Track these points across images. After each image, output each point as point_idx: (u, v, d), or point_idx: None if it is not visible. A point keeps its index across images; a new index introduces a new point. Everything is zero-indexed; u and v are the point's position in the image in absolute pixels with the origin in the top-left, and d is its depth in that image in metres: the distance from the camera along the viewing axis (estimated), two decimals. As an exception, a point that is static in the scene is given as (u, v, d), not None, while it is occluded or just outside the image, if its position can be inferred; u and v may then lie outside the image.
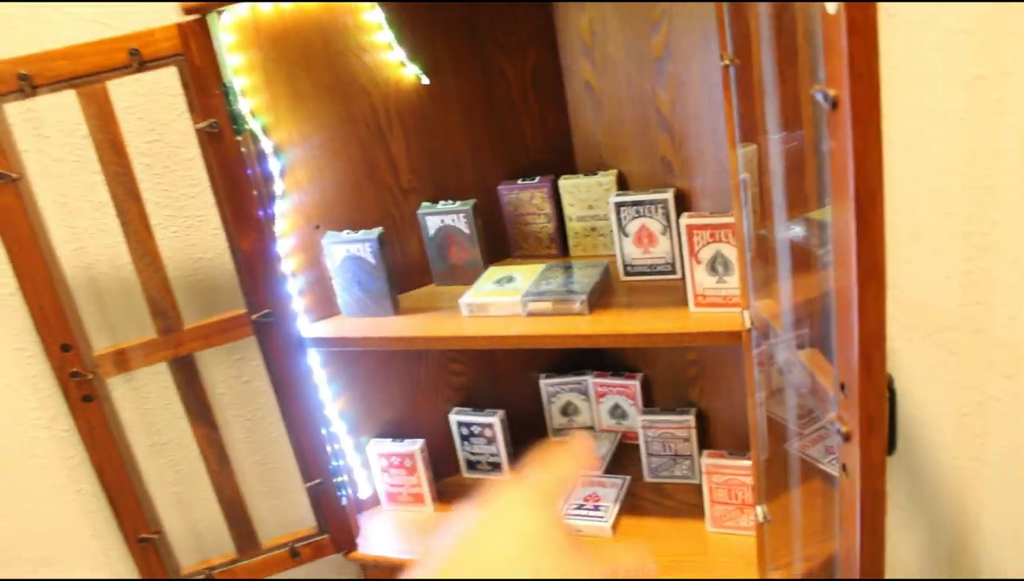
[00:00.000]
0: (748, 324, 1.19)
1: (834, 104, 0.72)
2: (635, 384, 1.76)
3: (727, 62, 1.06)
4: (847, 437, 0.86)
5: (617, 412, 1.81)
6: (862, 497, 0.86)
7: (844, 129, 0.71)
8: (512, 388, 1.84)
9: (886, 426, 0.84)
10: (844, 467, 0.88)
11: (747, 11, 1.03)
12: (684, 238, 1.33)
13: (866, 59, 0.70)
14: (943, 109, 1.05)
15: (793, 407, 1.28)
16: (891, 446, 0.85)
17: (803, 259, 1.12)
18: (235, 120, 1.37)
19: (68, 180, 1.52)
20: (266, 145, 1.48)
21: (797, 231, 1.15)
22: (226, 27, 1.40)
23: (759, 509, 1.35)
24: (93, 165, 1.39)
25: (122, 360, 1.45)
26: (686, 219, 1.32)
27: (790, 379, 1.17)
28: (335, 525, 1.61)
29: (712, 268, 1.33)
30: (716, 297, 1.34)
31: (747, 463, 1.48)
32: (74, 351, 1.40)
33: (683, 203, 1.49)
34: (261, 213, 1.42)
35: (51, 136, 1.49)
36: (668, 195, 1.46)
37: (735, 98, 1.08)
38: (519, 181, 1.64)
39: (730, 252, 1.31)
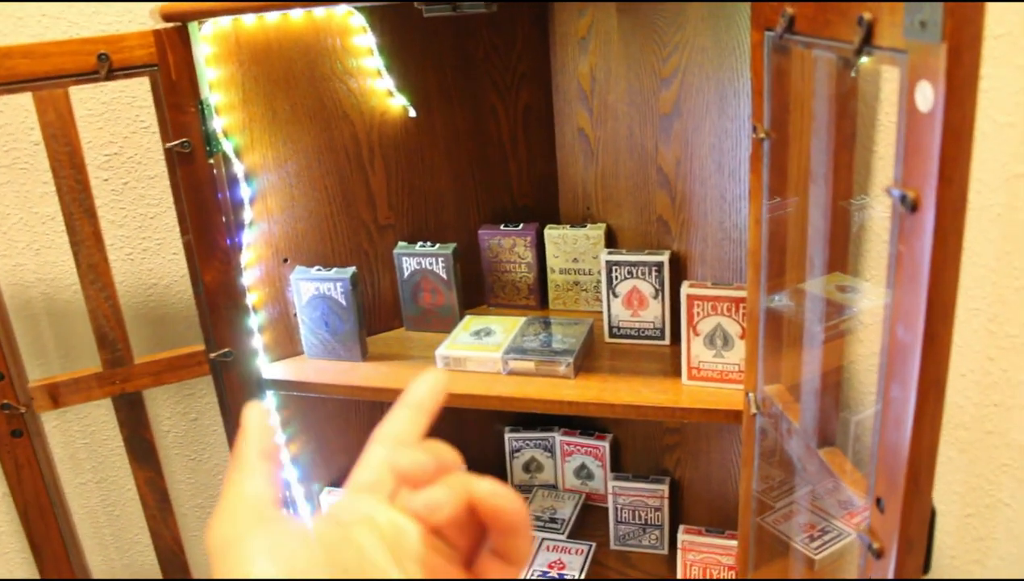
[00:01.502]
0: (754, 409, 1.13)
1: (913, 207, 0.65)
2: (604, 445, 1.68)
3: (762, 136, 0.99)
4: (879, 555, 0.79)
5: (583, 472, 1.73)
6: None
7: (922, 236, 0.64)
8: (476, 439, 1.75)
9: (924, 548, 0.78)
10: (869, 583, 0.82)
11: (792, 85, 0.97)
12: (684, 308, 1.26)
13: (958, 164, 0.63)
14: (980, 203, 1.00)
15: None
16: (926, 566, 0.80)
17: (828, 350, 1.06)
18: (209, 140, 1.26)
19: (12, 189, 1.39)
20: (237, 168, 1.37)
21: (815, 314, 1.09)
22: (206, 38, 1.29)
23: (742, 598, 1.29)
24: (43, 175, 1.27)
25: (60, 394, 1.31)
26: (687, 289, 1.25)
27: (802, 475, 1.11)
28: None
29: (711, 341, 1.26)
30: (712, 371, 1.27)
31: (727, 542, 1.41)
32: (7, 381, 1.26)
33: (677, 268, 1.42)
34: (228, 242, 1.30)
35: (-1, 140, 1.36)
36: (664, 258, 1.39)
37: (766, 173, 1.01)
38: (502, 226, 1.56)
39: (731, 327, 1.24)
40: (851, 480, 0.91)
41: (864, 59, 0.76)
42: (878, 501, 0.78)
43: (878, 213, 1.17)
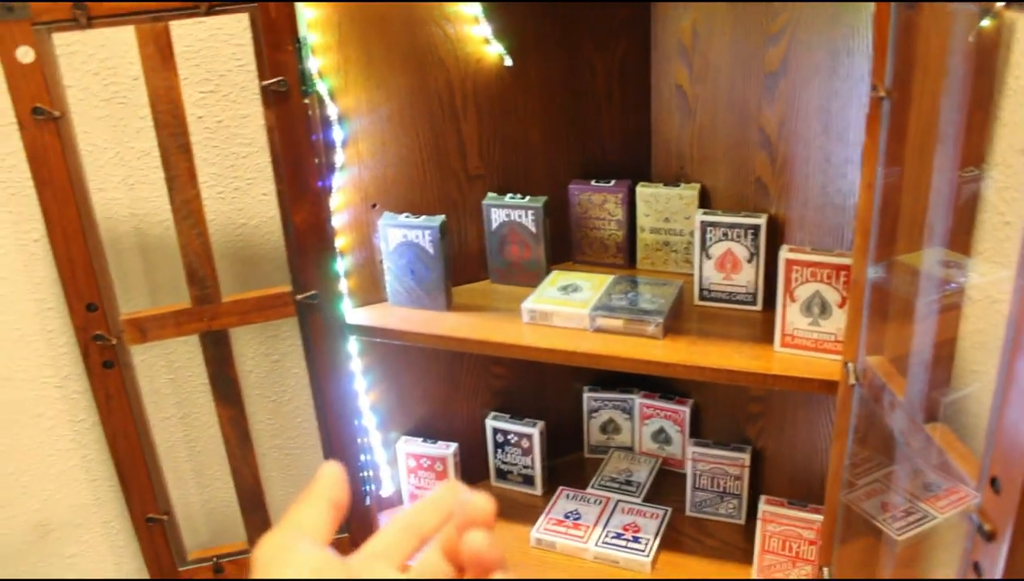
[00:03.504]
0: (853, 379, 1.08)
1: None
2: (685, 411, 1.65)
3: (882, 94, 0.94)
4: (991, 537, 0.75)
5: (661, 437, 1.71)
6: (998, 600, 0.75)
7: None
8: (554, 398, 1.73)
9: (1041, 533, 0.74)
10: (976, 565, 0.78)
11: (922, 42, 0.91)
12: (781, 272, 1.21)
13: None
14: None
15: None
16: (1038, 554, 0.75)
17: (940, 322, 1.01)
18: (304, 80, 1.25)
19: (110, 124, 1.40)
20: (331, 111, 1.36)
21: (927, 285, 1.04)
22: (305, -24, 1.27)
23: (826, 571, 1.25)
24: (139, 110, 1.27)
25: (149, 328, 1.33)
26: (786, 253, 1.21)
27: (903, 451, 1.06)
28: (356, 524, 1.50)
29: (807, 309, 1.21)
30: (807, 340, 1.23)
31: (809, 516, 1.37)
32: (100, 312, 1.28)
33: (774, 231, 1.37)
34: (320, 185, 1.30)
35: (99, 73, 1.37)
36: (761, 221, 1.34)
37: (883, 135, 0.96)
38: (592, 182, 1.52)
39: (830, 294, 1.20)
40: (960, 457, 0.86)
41: (985, 21, 0.71)
42: (993, 481, 0.73)
43: (997, 183, 1.11)
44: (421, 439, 1.61)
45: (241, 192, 1.46)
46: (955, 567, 1.06)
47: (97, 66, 1.36)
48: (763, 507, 1.39)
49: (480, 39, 1.43)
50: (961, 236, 1.05)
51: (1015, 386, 0.69)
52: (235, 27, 1.35)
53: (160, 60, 1.22)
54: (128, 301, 1.44)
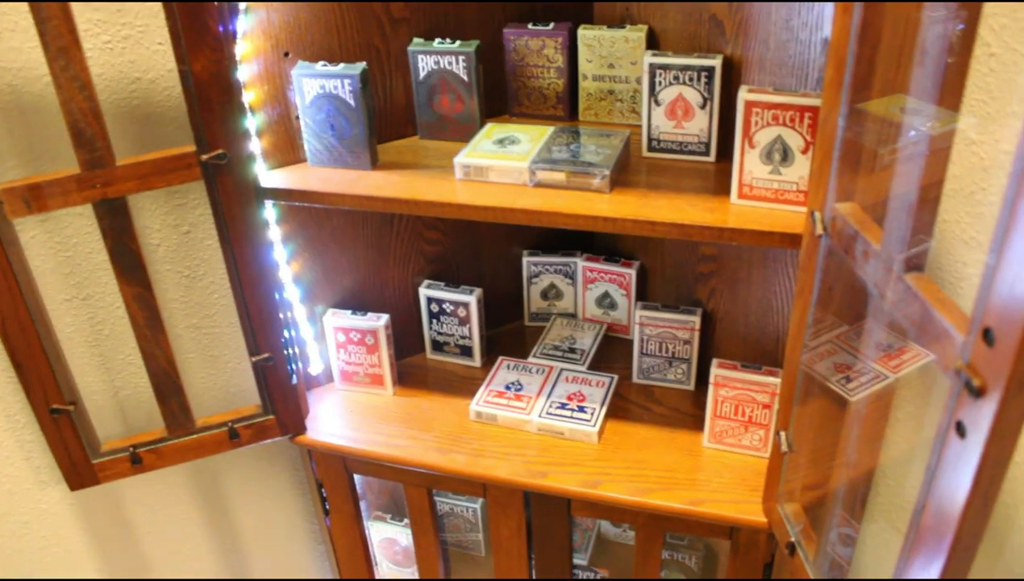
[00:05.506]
0: (820, 229, 0.99)
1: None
2: (631, 273, 1.56)
3: None
4: (980, 392, 0.67)
5: (605, 301, 1.62)
6: (982, 461, 0.69)
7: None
8: (491, 263, 1.63)
9: (1036, 386, 0.66)
10: (959, 424, 0.71)
11: None
12: (740, 116, 1.10)
13: None
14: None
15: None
16: (1030, 408, 0.68)
17: (923, 167, 0.91)
18: (194, -96, 1.07)
19: (-30, -40, 1.20)
20: (229, -58, 1.18)
21: (907, 128, 0.94)
22: None
23: (783, 435, 1.19)
24: (4, -57, 1.08)
25: (35, 197, 1.17)
26: (745, 93, 1.09)
27: (877, 305, 0.98)
28: (282, 405, 1.40)
29: (768, 156, 1.11)
30: (766, 190, 1.13)
31: (764, 379, 1.31)
32: (-26, 179, 1.12)
33: (729, 75, 1.26)
34: (221, 28, 1.13)
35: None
36: (716, 62, 1.22)
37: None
38: (529, 25, 1.38)
39: (793, 139, 1.09)
40: (944, 308, 0.78)
41: None
42: (986, 332, 0.65)
43: (985, 9, 1.00)
44: (350, 311, 1.50)
45: (132, 41, 1.28)
46: (927, 427, 0.99)
47: None
48: (715, 371, 1.32)
49: None
50: (948, 74, 0.95)
51: (1018, 226, 0.60)
52: None
53: None
54: (8, 170, 1.28)
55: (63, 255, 1.39)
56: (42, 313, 1.24)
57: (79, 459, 1.34)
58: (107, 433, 1.38)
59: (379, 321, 1.47)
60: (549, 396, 1.47)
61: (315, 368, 1.54)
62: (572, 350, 1.58)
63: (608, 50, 1.36)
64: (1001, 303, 0.63)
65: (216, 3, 1.11)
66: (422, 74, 1.35)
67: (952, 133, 0.96)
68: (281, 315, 1.34)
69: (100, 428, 1.37)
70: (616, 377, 1.51)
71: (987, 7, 0.91)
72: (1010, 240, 0.60)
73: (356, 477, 1.52)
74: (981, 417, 0.68)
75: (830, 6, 0.90)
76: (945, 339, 0.75)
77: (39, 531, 1.57)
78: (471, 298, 1.52)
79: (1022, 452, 1.19)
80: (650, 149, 1.30)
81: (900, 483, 1.23)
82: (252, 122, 1.28)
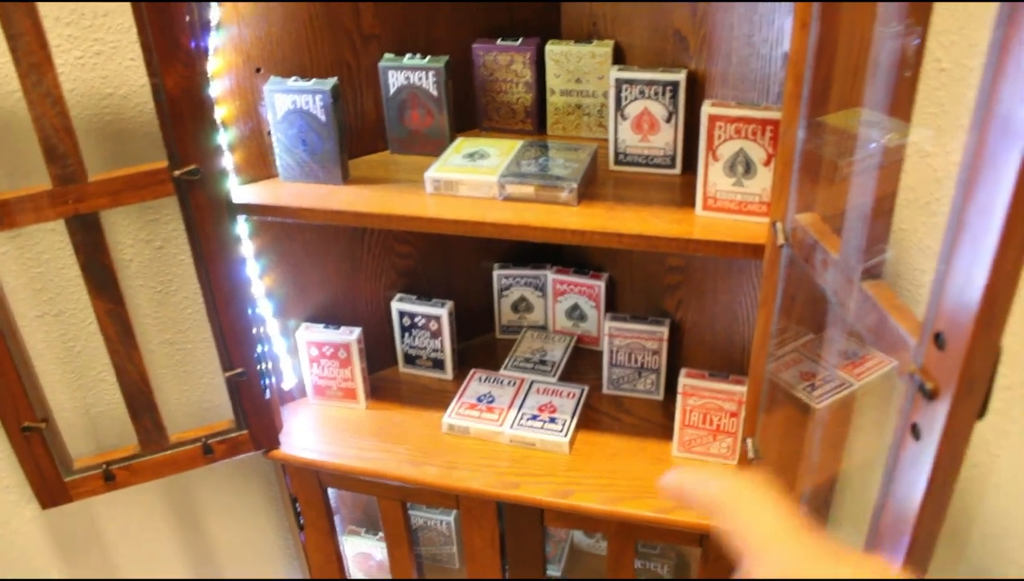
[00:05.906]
0: (782, 239, 1.02)
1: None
2: (600, 285, 1.58)
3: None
4: (933, 395, 0.70)
5: (575, 313, 1.64)
6: (936, 461, 0.71)
7: None
8: (462, 277, 1.64)
9: (985, 390, 0.69)
10: (915, 427, 0.73)
11: None
12: (703, 129, 1.13)
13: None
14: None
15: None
16: (982, 411, 0.71)
17: (878, 177, 0.94)
18: (166, -78, 1.08)
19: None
20: (201, -39, 1.20)
21: (865, 140, 0.97)
22: None
23: (750, 443, 1.22)
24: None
25: (6, 213, 1.17)
26: (709, 108, 1.12)
27: (836, 313, 1.01)
28: (256, 420, 1.40)
29: (731, 168, 1.14)
30: (730, 202, 1.16)
31: (731, 387, 1.33)
32: (-55, 195, 1.12)
33: (693, 89, 1.28)
34: (192, 44, 1.14)
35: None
36: (680, 77, 1.25)
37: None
38: (498, 41, 1.40)
39: (755, 152, 1.12)
40: (899, 315, 0.80)
41: None
42: (936, 336, 0.68)
43: (935, 26, 1.04)
44: (322, 325, 1.51)
45: (105, 57, 1.29)
46: (888, 432, 1.02)
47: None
48: (683, 380, 1.35)
49: None
50: (901, 88, 0.98)
51: (965, 233, 0.62)
52: None
53: None
54: (-17, 185, 1.28)
55: (35, 271, 1.39)
56: (13, 329, 1.24)
57: (51, 477, 1.33)
58: (79, 450, 1.37)
59: (351, 335, 1.48)
60: (520, 408, 1.48)
61: (288, 382, 1.55)
62: (543, 362, 1.60)
63: (575, 65, 1.38)
64: (951, 308, 0.65)
65: (188, 20, 1.12)
66: (392, 89, 1.37)
67: (904, 146, 0.99)
68: (254, 330, 1.34)
69: (72, 445, 1.37)
70: (586, 388, 1.53)
71: (936, 24, 0.94)
72: (958, 247, 0.62)
73: (330, 491, 1.52)
74: (935, 419, 0.70)
75: (789, 22, 0.93)
76: (900, 344, 0.78)
77: (10, 551, 1.56)
78: (443, 311, 1.53)
79: (978, 454, 1.21)
80: (617, 162, 1.33)
81: (863, 487, 1.25)
82: (224, 137, 1.29)
